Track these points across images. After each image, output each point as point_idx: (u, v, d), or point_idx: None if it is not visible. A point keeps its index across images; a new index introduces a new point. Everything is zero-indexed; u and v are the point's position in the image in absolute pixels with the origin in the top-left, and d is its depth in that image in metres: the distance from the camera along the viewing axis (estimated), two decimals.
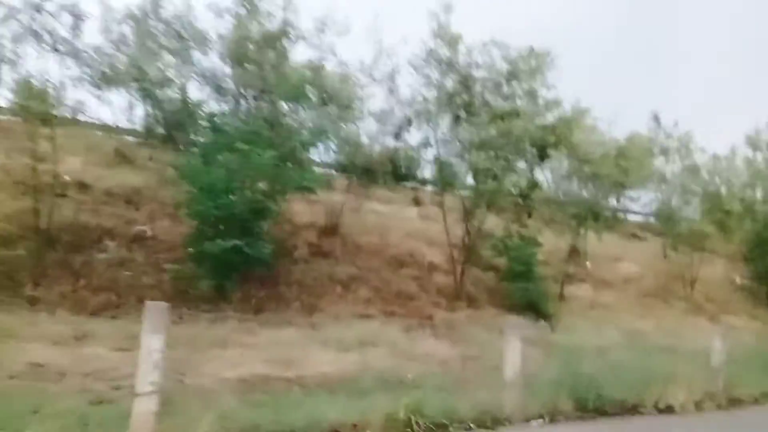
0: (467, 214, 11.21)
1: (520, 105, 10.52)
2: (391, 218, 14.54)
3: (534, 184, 11.24)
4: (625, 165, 12.32)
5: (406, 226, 14.32)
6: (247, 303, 9.30)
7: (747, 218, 16.61)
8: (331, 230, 12.26)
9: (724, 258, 19.10)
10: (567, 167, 12.44)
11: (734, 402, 7.67)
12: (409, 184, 13.80)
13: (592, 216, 13.59)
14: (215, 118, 9.66)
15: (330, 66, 10.94)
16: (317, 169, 11.80)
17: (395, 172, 14.22)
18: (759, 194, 16.17)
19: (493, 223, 12.65)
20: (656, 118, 15.78)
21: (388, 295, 11.09)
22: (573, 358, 7.41)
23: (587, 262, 16.38)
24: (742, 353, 9.36)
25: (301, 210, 12.53)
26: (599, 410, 6.48)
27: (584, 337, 10.89)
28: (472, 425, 5.49)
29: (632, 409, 6.81)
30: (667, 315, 14.55)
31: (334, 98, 10.32)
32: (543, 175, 12.42)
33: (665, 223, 16.84)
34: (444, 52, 10.51)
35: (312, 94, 10.15)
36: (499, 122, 10.12)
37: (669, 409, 6.93)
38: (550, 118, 10.76)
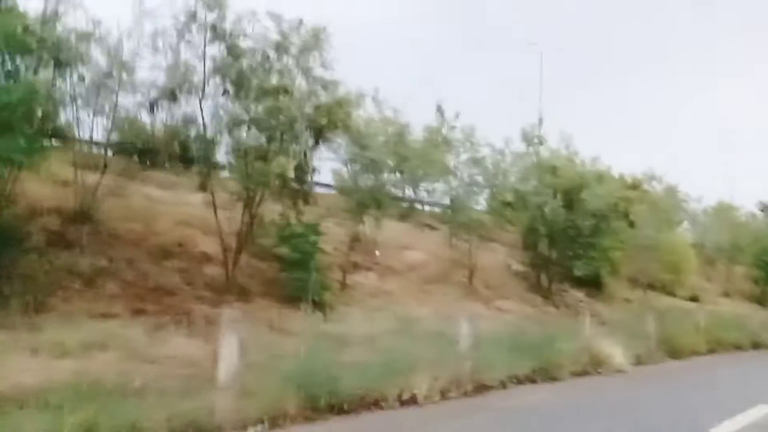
0: (243, 200, 10.29)
1: (294, 82, 9.81)
2: (166, 204, 13.15)
3: (308, 169, 10.63)
4: (403, 153, 12.24)
5: (183, 212, 13.02)
6: None
7: (521, 209, 17.70)
8: (80, 216, 10.62)
9: (507, 246, 20.41)
10: (348, 153, 12.06)
11: (480, 388, 7.68)
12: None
13: (374, 204, 13.45)
14: None
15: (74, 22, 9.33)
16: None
17: (183, 153, 12.89)
18: (530, 186, 17.22)
19: (276, 210, 11.94)
20: (440, 110, 16.13)
21: (143, 290, 9.85)
22: (319, 351, 6.86)
23: (377, 251, 16.36)
24: (497, 337, 9.60)
25: (44, 192, 10.76)
26: (334, 408, 5.98)
27: (355, 325, 10.57)
28: None
29: (374, 404, 6.42)
30: (446, 301, 14.90)
31: (72, 58, 8.80)
32: (321, 160, 11.85)
33: (450, 213, 17.37)
34: (208, 16, 9.46)
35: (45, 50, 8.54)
36: (267, 99, 9.33)
37: (413, 400, 6.65)
38: (325, 99, 10.18)
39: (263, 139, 9.91)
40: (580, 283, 20.01)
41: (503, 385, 8.11)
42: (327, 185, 19.07)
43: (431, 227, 21.17)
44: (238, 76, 9.55)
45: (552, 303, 17.43)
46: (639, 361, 11.70)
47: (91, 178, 11.73)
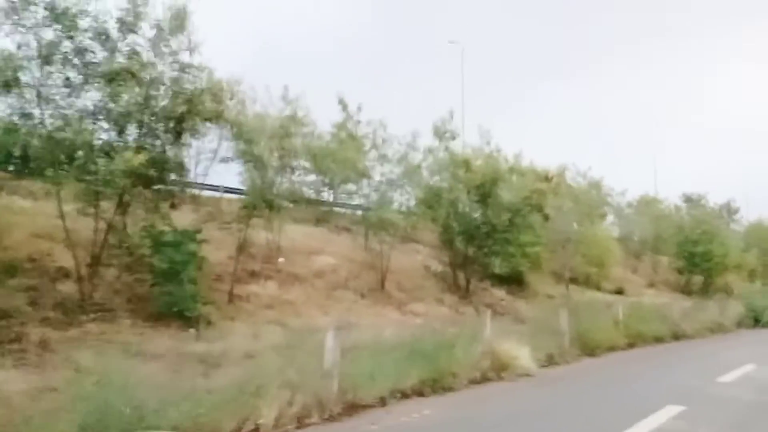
0: (93, 205, 8.92)
1: (145, 66, 8.53)
2: (28, 215, 11.57)
3: (171, 166, 9.34)
4: (289, 147, 11.12)
5: (46, 224, 11.46)
6: None
7: (436, 206, 16.84)
8: None
9: (430, 247, 19.55)
10: (226, 147, 10.83)
11: (351, 408, 6.61)
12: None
13: (266, 205, 12.26)
14: None
15: None
16: None
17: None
18: (444, 183, 16.39)
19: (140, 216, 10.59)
20: (342, 103, 15.11)
21: None
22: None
23: (280, 258, 15.16)
24: (386, 346, 8.59)
25: None
26: None
27: (232, 343, 9.38)
28: None
29: None
30: (353, 308, 13.86)
31: None
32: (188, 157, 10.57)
33: (364, 215, 16.35)
34: None
35: None
36: (111, 84, 8.03)
37: None
38: (187, 85, 8.94)
39: (112, 133, 8.54)
40: (501, 281, 19.37)
41: (382, 402, 7.06)
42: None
43: (348, 230, 20.17)
44: (78, 58, 8.19)
45: (470, 303, 16.62)
46: (551, 362, 10.95)
47: None
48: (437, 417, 6.70)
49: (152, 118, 8.78)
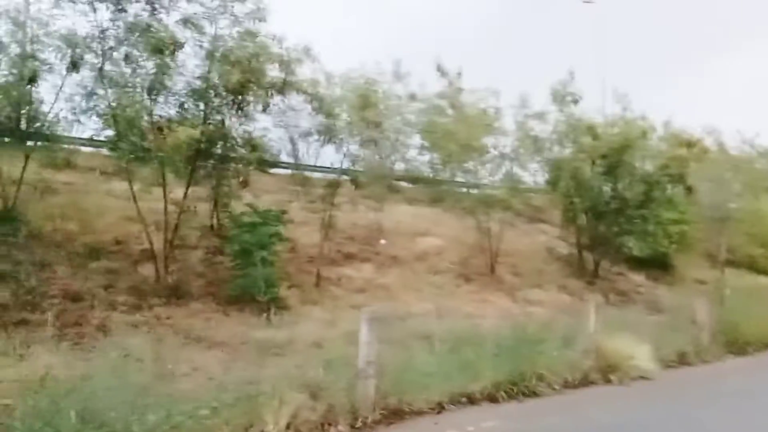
0: (164, 184, 8.64)
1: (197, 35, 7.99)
2: (122, 199, 11.69)
3: (232, 141, 8.75)
4: (374, 117, 10.13)
5: (140, 207, 11.58)
6: None
7: (559, 180, 15.01)
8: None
9: (559, 228, 17.65)
10: (305, 121, 10.10)
11: (395, 415, 5.51)
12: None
13: (355, 184, 11.42)
14: None
15: None
16: None
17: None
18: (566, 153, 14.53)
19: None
20: (440, 70, 13.82)
21: (41, 297, 8.37)
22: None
23: (381, 240, 14.31)
24: (466, 339, 7.35)
25: None
26: None
27: (305, 330, 8.65)
28: None
29: None
30: (456, 293, 12.65)
31: None
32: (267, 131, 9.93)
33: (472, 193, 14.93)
34: None
35: None
36: (157, 56, 7.57)
37: None
38: (241, 52, 8.26)
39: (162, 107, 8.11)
40: (641, 264, 16.98)
41: (438, 408, 5.87)
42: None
43: (465, 210, 18.81)
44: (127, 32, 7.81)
45: (598, 290, 14.62)
46: (682, 361, 8.99)
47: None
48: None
49: (210, 91, 8.20)
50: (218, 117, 8.70)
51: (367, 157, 15.53)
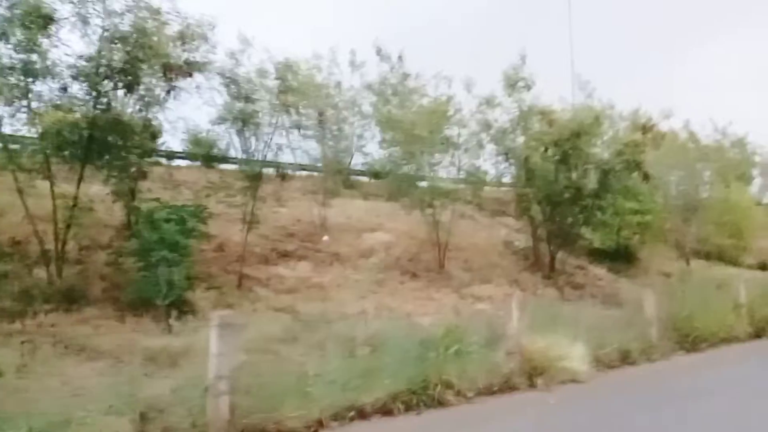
0: (49, 176, 7.73)
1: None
2: (42, 197, 10.81)
3: (122, 128, 7.85)
4: (293, 100, 9.27)
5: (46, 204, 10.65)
6: None
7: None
8: None
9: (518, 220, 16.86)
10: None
11: None
12: None
13: (282, 177, 10.59)
14: None
15: None
16: None
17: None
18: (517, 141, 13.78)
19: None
20: (380, 53, 13.03)
21: None
22: None
23: (324, 236, 13.48)
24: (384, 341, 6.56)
25: None
26: None
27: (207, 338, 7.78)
28: None
29: None
30: (399, 291, 11.84)
31: None
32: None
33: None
34: None
35: None
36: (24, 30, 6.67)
37: None
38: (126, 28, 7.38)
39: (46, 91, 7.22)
40: (604, 256, 16.32)
41: (316, 426, 5.04)
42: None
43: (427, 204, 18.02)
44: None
45: (553, 284, 13.89)
46: (625, 360, 8.22)
47: None
48: None
49: (99, 73, 7.31)
50: (105, 101, 7.76)
51: (316, 149, 14.82)
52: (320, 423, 5.08)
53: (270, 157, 12.23)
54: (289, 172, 17.28)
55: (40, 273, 8.75)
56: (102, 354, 7.11)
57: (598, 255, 16.35)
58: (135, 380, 5.33)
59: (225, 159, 15.84)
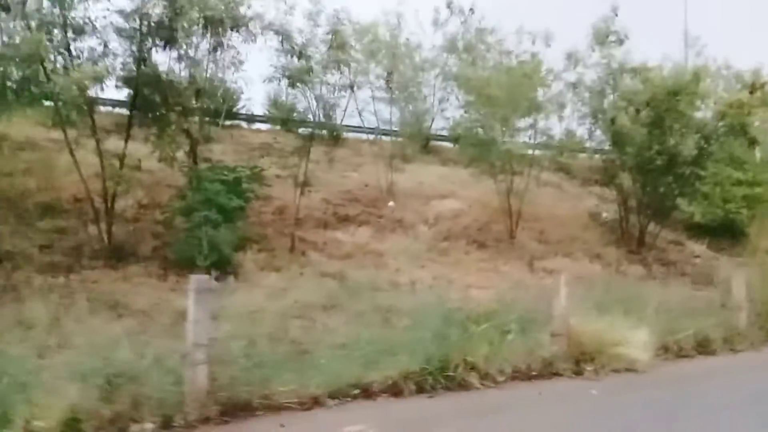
0: (94, 133, 7.78)
1: None
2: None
3: (164, 85, 7.68)
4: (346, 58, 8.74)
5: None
6: None
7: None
8: None
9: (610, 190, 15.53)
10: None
11: (236, 412, 4.32)
12: None
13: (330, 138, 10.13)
14: None
15: None
16: None
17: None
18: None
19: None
20: (450, 6, 12.11)
21: None
22: None
23: (390, 202, 12.98)
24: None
25: None
26: None
27: (242, 301, 7.56)
28: None
29: None
30: (462, 261, 11.17)
31: None
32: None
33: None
34: None
35: None
36: None
37: None
38: None
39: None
40: (706, 232, 14.66)
41: (310, 404, 4.62)
42: None
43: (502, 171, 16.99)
44: None
45: (641, 260, 12.62)
46: (702, 350, 7.18)
47: None
48: None
49: (140, 28, 7.15)
50: (144, 57, 7.59)
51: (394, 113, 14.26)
52: (315, 400, 4.64)
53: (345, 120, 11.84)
54: (364, 136, 16.93)
55: (95, 230, 8.88)
56: (134, 312, 7.09)
57: (698, 230, 14.72)
58: (144, 343, 5.16)
59: (303, 122, 15.66)
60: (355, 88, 10.35)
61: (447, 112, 17.25)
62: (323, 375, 4.92)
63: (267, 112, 16.57)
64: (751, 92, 11.06)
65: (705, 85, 11.47)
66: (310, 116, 10.14)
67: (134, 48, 7.57)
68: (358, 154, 15.95)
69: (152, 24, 7.39)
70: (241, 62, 9.31)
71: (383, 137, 16.91)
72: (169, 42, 7.63)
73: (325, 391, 4.73)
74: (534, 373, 5.77)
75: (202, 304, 4.24)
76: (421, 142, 16.58)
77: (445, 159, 17.27)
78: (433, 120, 17.82)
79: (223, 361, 4.53)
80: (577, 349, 6.09)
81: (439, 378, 5.15)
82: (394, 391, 5.00)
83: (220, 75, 8.89)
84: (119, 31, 7.50)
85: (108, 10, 7.48)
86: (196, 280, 4.34)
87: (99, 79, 6.79)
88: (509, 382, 5.49)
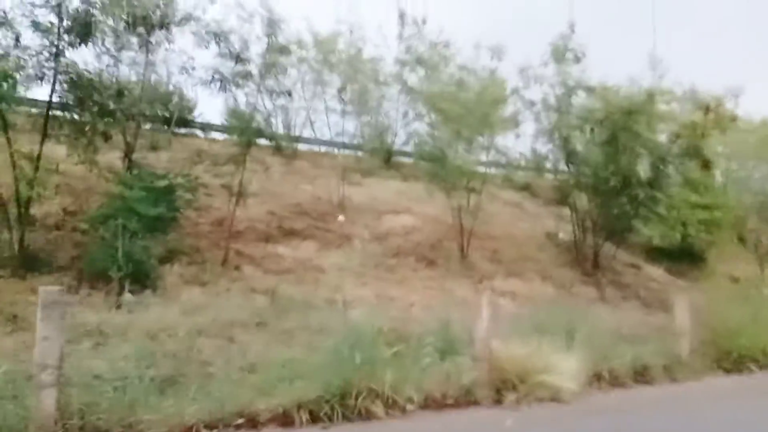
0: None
1: None
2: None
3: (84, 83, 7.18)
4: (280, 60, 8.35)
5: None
6: None
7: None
8: None
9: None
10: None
11: None
12: None
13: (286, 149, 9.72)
14: None
15: None
16: None
17: None
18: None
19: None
20: (402, 17, 11.88)
21: None
22: None
23: (339, 215, 12.55)
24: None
25: None
26: None
27: (155, 316, 7.04)
28: None
29: None
30: (408, 280, 10.76)
31: None
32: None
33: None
34: None
35: None
36: None
37: None
38: None
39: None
40: (665, 255, 14.45)
41: None
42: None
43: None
44: None
45: (594, 282, 12.31)
46: (640, 378, 6.82)
47: None
48: None
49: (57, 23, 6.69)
50: (58, 54, 7.10)
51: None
52: (188, 430, 4.14)
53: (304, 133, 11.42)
54: (324, 149, 16.58)
55: (6, 237, 8.30)
56: (30, 326, 6.52)
57: (658, 253, 14.53)
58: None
59: (260, 133, 15.23)
60: (309, 99, 9.75)
61: (410, 127, 17.00)
62: (207, 401, 4.44)
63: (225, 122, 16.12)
64: (705, 114, 10.85)
65: (661, 106, 11.26)
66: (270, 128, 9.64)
67: (48, 43, 7.08)
68: (316, 167, 15.52)
69: (68, 18, 6.92)
70: (193, 68, 9.00)
71: (345, 151, 16.60)
72: (86, 38, 7.15)
73: (202, 420, 4.23)
74: (449, 402, 5.33)
75: (52, 320, 3.75)
76: (383, 157, 16.20)
77: (406, 174, 16.88)
78: (395, 135, 17.46)
79: (84, 384, 4.03)
80: (499, 375, 5.67)
81: (337, 407, 4.68)
82: (284, 421, 4.52)
83: (165, 80, 8.36)
84: (36, 25, 7.01)
85: (22, 1, 6.97)
86: (44, 292, 3.86)
87: (4, 75, 6.26)
88: (418, 412, 5.04)
